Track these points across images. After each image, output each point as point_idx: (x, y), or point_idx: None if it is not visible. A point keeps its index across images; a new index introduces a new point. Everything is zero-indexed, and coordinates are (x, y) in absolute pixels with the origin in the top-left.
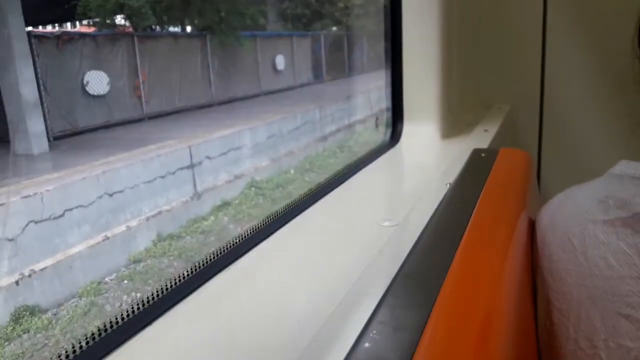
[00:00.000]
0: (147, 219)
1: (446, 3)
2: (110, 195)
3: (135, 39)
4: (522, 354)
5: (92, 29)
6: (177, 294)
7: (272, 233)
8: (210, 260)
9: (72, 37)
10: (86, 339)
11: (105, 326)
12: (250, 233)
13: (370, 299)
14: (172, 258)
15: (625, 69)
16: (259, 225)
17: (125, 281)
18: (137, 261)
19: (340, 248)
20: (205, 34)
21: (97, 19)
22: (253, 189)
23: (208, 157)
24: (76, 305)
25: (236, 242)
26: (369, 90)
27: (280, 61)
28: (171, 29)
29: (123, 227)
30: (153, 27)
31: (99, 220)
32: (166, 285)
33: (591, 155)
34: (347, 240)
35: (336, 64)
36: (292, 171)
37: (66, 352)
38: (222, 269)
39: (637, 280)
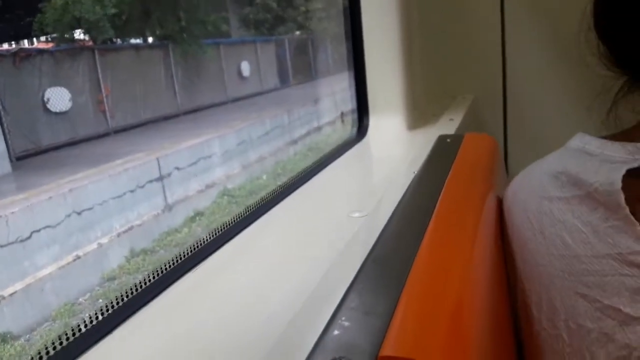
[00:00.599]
0: (119, 234)
1: (405, 1)
2: (79, 213)
3: (96, 52)
4: (497, 334)
5: (50, 45)
6: (144, 296)
7: (241, 230)
8: (179, 260)
9: (29, 54)
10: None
11: (73, 330)
12: (220, 231)
13: (339, 287)
14: (146, 273)
15: (579, 54)
16: (228, 224)
17: (100, 300)
18: (111, 279)
19: (310, 241)
20: (167, 43)
21: (54, 34)
22: (225, 197)
23: (177, 168)
24: (50, 329)
25: (205, 241)
26: (335, 93)
27: (246, 67)
28: (132, 40)
29: (94, 245)
30: (113, 39)
31: (68, 239)
32: (132, 289)
33: (554, 136)
34: (318, 233)
35: (302, 67)
36: (264, 177)
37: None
38: (192, 267)
39: (592, 259)
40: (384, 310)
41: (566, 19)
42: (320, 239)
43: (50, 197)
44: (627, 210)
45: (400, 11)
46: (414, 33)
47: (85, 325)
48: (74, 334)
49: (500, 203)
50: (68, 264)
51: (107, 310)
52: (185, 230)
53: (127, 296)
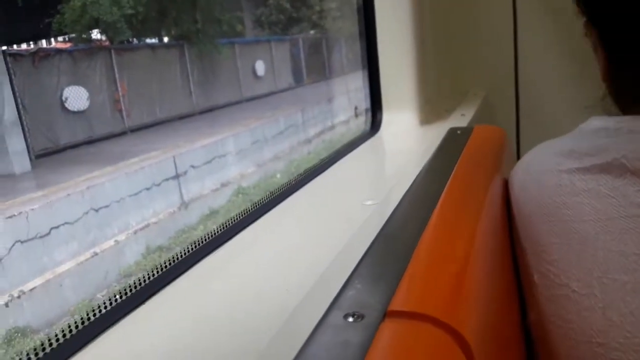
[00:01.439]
0: (135, 232)
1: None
2: (97, 210)
3: (113, 52)
4: (501, 298)
5: (68, 45)
6: (168, 275)
7: (263, 214)
8: (205, 240)
9: (48, 54)
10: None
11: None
12: (244, 214)
13: (353, 260)
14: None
15: (590, 50)
16: (250, 209)
17: (118, 297)
18: (127, 275)
19: (327, 224)
20: (182, 43)
21: (72, 34)
22: (240, 195)
23: (193, 167)
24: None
25: (232, 222)
26: (349, 91)
27: (260, 67)
28: (148, 40)
29: (111, 242)
30: (130, 39)
31: (86, 236)
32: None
33: (567, 130)
34: (333, 218)
35: (316, 66)
36: (278, 175)
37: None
38: (218, 247)
39: (627, 219)
40: (393, 275)
41: (578, 15)
42: (336, 223)
43: (69, 195)
44: None
45: (412, 10)
46: (426, 31)
47: (95, 315)
48: (82, 323)
49: (506, 185)
50: (86, 260)
51: (117, 300)
52: (201, 227)
53: (148, 278)
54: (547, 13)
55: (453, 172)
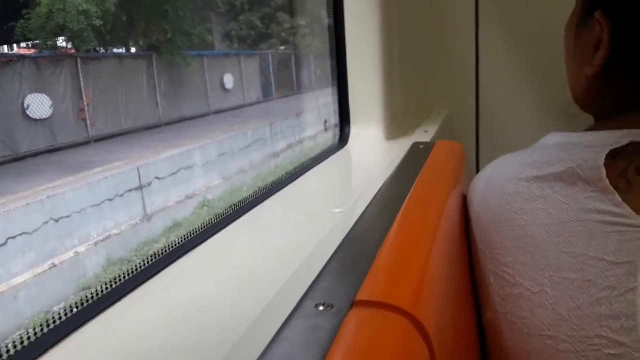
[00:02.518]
0: (96, 243)
1: (386, 21)
2: (56, 220)
3: (79, 60)
4: (458, 295)
5: (31, 51)
6: (129, 284)
7: (233, 221)
8: (173, 246)
9: (9, 59)
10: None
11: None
12: (211, 222)
13: (323, 259)
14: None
15: (551, 70)
16: (221, 215)
17: (75, 310)
18: (86, 288)
19: (297, 229)
20: (151, 53)
21: (37, 41)
22: (205, 208)
23: (157, 178)
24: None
25: (192, 234)
26: (318, 107)
27: (229, 80)
28: (116, 49)
29: (71, 253)
30: (97, 48)
31: (44, 247)
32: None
33: (524, 145)
34: (303, 224)
35: (285, 81)
36: (244, 188)
37: None
38: (188, 251)
39: (576, 222)
40: (360, 270)
41: (535, 41)
42: (307, 228)
43: (28, 204)
44: (607, 181)
45: (381, 31)
46: (394, 51)
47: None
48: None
49: (464, 197)
50: (43, 271)
51: (82, 304)
52: (163, 240)
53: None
54: (508, 38)
55: (415, 182)
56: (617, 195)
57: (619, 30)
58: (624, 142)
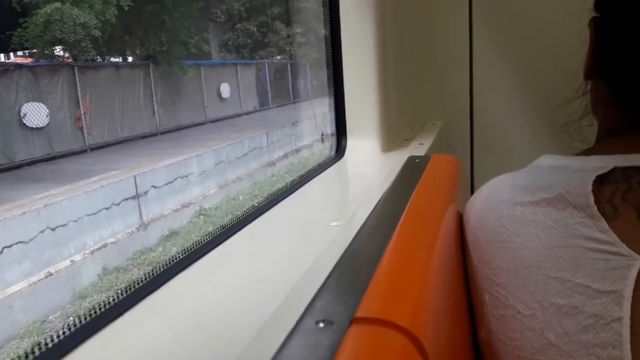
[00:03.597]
0: (92, 252)
1: (382, 33)
2: (53, 229)
3: (76, 69)
4: (454, 315)
5: (29, 60)
6: (135, 295)
7: (231, 235)
8: (183, 255)
9: (7, 68)
10: None
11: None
12: (207, 239)
13: (322, 275)
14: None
15: (544, 83)
16: (219, 230)
17: (71, 319)
18: (82, 297)
19: (295, 243)
20: (148, 63)
21: (34, 50)
22: (202, 217)
23: (154, 187)
24: (17, 347)
25: (191, 249)
26: (315, 116)
27: (225, 89)
28: (113, 59)
29: (67, 262)
30: (94, 57)
31: (41, 256)
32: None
33: (517, 160)
34: (301, 238)
35: (281, 91)
36: (240, 197)
37: None
38: (187, 266)
39: (565, 248)
40: (359, 286)
41: (529, 53)
42: (305, 242)
43: (24, 213)
44: (595, 208)
45: (376, 44)
46: (389, 64)
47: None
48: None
49: (459, 214)
50: (39, 280)
51: (75, 326)
52: (160, 249)
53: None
54: (502, 51)
55: (412, 197)
56: (604, 222)
57: (599, 36)
58: (609, 167)
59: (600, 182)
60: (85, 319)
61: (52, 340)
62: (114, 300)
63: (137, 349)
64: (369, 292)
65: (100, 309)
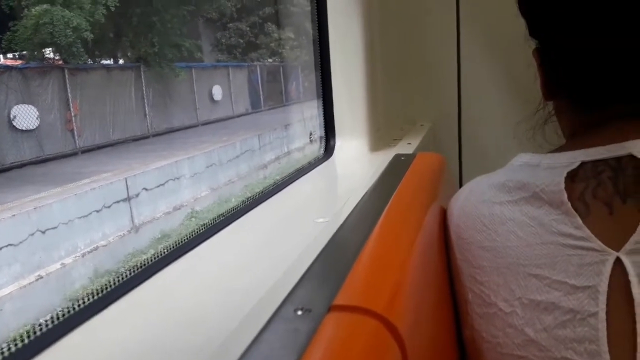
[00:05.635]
0: (83, 255)
1: (370, 35)
2: (43, 232)
3: (66, 71)
4: (437, 311)
5: (18, 62)
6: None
7: (219, 231)
8: (172, 248)
9: None
10: None
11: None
12: (193, 234)
13: (303, 266)
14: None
15: (531, 84)
16: (207, 225)
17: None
18: (73, 299)
19: (281, 238)
20: (139, 65)
21: (24, 52)
22: (193, 219)
23: (145, 189)
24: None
25: (178, 244)
26: (306, 119)
27: (217, 91)
28: (104, 61)
29: (57, 265)
30: (85, 60)
31: (31, 258)
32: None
33: (502, 159)
34: (287, 234)
35: (273, 93)
36: (232, 200)
37: None
38: (174, 260)
39: (541, 245)
40: (338, 277)
41: (516, 54)
42: (290, 237)
43: (14, 215)
44: (569, 205)
45: (365, 46)
46: (377, 65)
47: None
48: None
49: (443, 211)
50: (30, 283)
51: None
52: (151, 251)
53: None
54: (489, 52)
55: (395, 192)
56: (578, 218)
57: (543, 54)
58: (578, 162)
59: (572, 179)
60: (69, 312)
61: (34, 333)
62: (97, 293)
63: (122, 339)
64: (348, 281)
65: (83, 302)
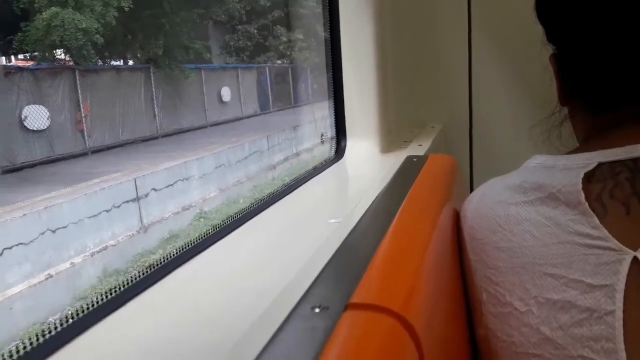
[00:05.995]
0: (92, 254)
1: (381, 36)
2: (53, 231)
3: (77, 72)
4: (451, 310)
5: (29, 63)
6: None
7: (234, 230)
8: (188, 247)
9: (8, 71)
10: None
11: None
12: (208, 234)
13: (320, 264)
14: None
15: (542, 85)
16: (222, 224)
17: (70, 321)
18: (82, 299)
19: (295, 239)
20: (149, 66)
21: (35, 53)
22: (202, 219)
23: (154, 189)
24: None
25: (192, 243)
26: (315, 120)
27: (226, 93)
28: (114, 62)
29: (67, 264)
30: (95, 62)
31: (41, 257)
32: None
33: (514, 160)
34: (301, 234)
35: (282, 94)
36: (241, 200)
37: None
38: (189, 259)
39: (558, 245)
40: (354, 275)
41: (527, 56)
42: (304, 237)
43: (25, 215)
44: (587, 205)
45: (376, 47)
46: (389, 67)
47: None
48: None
49: (456, 213)
50: (39, 282)
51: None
52: (160, 251)
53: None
54: (500, 54)
55: (408, 194)
56: (595, 218)
57: (560, 59)
58: (594, 163)
59: (589, 179)
60: (83, 312)
61: (49, 332)
62: (112, 293)
63: (137, 338)
64: (364, 280)
65: (97, 302)
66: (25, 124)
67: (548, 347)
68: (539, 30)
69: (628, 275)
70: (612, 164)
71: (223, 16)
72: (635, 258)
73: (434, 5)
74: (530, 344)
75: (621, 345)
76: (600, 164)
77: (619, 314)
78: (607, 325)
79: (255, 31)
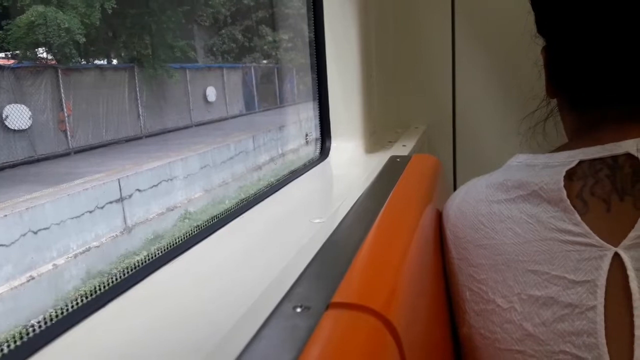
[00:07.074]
0: (75, 256)
1: (365, 38)
2: (35, 232)
3: (59, 71)
4: (433, 308)
5: (11, 61)
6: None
7: (217, 230)
8: (170, 247)
9: None
10: None
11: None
12: (190, 234)
13: (302, 263)
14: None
15: (525, 87)
16: (200, 227)
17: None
18: (65, 300)
19: (279, 239)
20: (133, 66)
21: (17, 52)
22: (187, 220)
23: (138, 190)
24: None
25: (174, 244)
26: (301, 121)
27: (211, 92)
28: (97, 61)
29: (49, 266)
30: (78, 60)
31: (22, 259)
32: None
33: (496, 161)
34: (285, 233)
35: (268, 95)
36: (226, 201)
37: None
38: (172, 259)
39: (540, 242)
40: (336, 275)
41: (510, 57)
42: (288, 237)
43: (5, 216)
44: (568, 202)
45: (360, 48)
46: (373, 68)
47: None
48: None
49: (439, 213)
50: (21, 284)
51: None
52: (144, 252)
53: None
54: (483, 57)
55: (391, 194)
56: (577, 215)
57: (549, 52)
58: (576, 160)
59: (570, 177)
60: (63, 312)
61: (29, 333)
62: (93, 293)
63: (119, 338)
64: (346, 279)
65: (78, 303)
66: (6, 124)
67: (531, 343)
68: (523, 33)
69: (609, 271)
70: (593, 161)
71: (208, 21)
72: (616, 254)
73: (418, 7)
74: (513, 341)
75: (602, 340)
76: (581, 162)
77: (600, 309)
78: (589, 320)
79: (240, 34)
